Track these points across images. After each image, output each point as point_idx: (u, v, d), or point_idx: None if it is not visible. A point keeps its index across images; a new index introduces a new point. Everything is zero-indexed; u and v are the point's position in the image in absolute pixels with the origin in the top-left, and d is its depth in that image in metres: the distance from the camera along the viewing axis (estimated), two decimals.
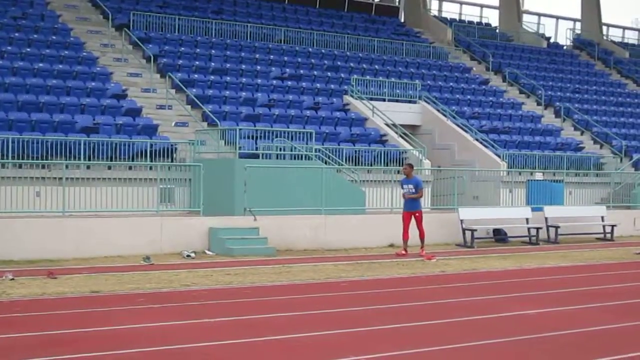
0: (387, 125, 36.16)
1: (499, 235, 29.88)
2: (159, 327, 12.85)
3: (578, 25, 65.57)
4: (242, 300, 15.93)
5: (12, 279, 17.67)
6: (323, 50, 43.38)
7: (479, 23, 60.00)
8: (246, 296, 16.37)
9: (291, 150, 28.93)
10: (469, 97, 43.14)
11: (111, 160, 26.99)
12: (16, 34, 33.97)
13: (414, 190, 25.19)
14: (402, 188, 25.54)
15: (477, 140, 37.34)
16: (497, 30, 59.11)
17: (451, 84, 44.33)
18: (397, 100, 38.91)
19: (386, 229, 27.19)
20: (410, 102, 39.27)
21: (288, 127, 32.08)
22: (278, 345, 11.65)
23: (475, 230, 28.17)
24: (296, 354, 10.99)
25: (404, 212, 25.34)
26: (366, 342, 11.87)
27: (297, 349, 11.33)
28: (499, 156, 36.12)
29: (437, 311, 14.85)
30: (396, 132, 35.72)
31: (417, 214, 25.29)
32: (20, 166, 25.44)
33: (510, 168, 35.61)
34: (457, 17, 61.96)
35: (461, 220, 28.34)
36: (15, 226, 22.18)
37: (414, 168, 26.30)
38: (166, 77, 34.64)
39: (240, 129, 29.03)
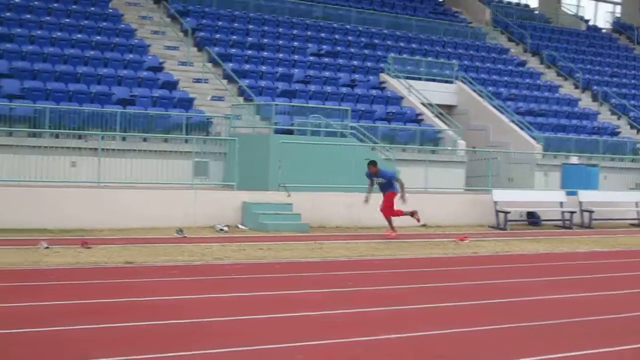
0: (423, 104, 36.05)
1: (533, 218, 29.75)
2: (192, 299, 12.89)
3: (618, 8, 64.98)
4: (275, 275, 15.97)
5: (47, 248, 17.78)
6: (361, 28, 43.22)
7: (518, 4, 59.54)
8: (279, 271, 16.41)
9: (326, 127, 28.91)
10: (505, 78, 42.90)
11: (147, 132, 27.07)
12: (55, 5, 34.05)
13: (395, 187, 23.78)
14: (373, 185, 23.93)
15: (512, 122, 37.15)
16: (536, 12, 58.68)
17: (488, 64, 44.09)
18: (433, 80, 38.75)
19: (419, 209, 27.10)
20: (446, 82, 39.09)
21: (324, 104, 32.05)
22: (314, 320, 11.65)
23: (509, 212, 28.06)
24: (334, 330, 10.98)
25: (387, 193, 23.83)
26: (401, 320, 11.85)
27: (335, 326, 11.32)
28: (534, 139, 35.93)
29: (469, 292, 14.80)
30: (432, 112, 35.61)
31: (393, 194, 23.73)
32: (56, 136, 25.59)
33: (546, 151, 35.44)
34: None
35: (495, 202, 28.24)
36: (51, 195, 22.32)
37: (376, 163, 23.92)
38: (203, 51, 34.67)
39: (276, 105, 29.07)
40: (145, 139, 26.71)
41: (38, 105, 26.01)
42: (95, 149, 24.46)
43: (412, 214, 24.12)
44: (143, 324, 10.84)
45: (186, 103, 29.44)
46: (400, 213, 23.91)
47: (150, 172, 25.01)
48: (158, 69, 31.73)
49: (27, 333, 10.07)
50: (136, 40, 33.55)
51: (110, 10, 35.56)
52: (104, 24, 33.93)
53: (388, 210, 23.84)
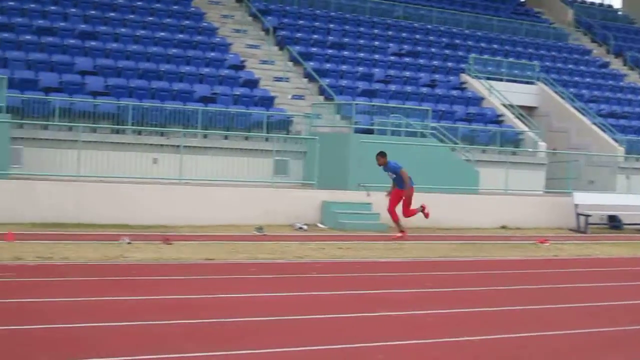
0: (503, 105, 35.77)
1: (614, 222, 29.37)
2: (272, 297, 12.93)
3: None
4: (355, 274, 15.96)
5: (129, 243, 17.98)
6: (442, 28, 43.02)
7: (601, 4, 58.72)
8: (359, 270, 16.40)
9: (406, 127, 28.83)
10: (587, 80, 42.37)
11: (228, 130, 27.27)
12: (139, 3, 34.40)
13: (394, 177, 22.66)
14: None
15: (594, 124, 36.69)
16: (620, 12, 57.86)
17: (570, 66, 43.60)
18: (514, 81, 38.40)
19: (499, 210, 26.99)
20: (528, 83, 38.72)
21: (404, 104, 31.96)
22: (395, 321, 11.60)
23: (590, 215, 27.74)
24: (415, 330, 10.94)
25: (395, 191, 22.76)
26: (482, 322, 11.77)
27: (416, 326, 11.27)
28: (616, 141, 35.45)
29: (551, 295, 14.66)
30: (512, 113, 35.31)
31: (405, 193, 22.61)
32: (139, 133, 25.87)
33: (628, 154, 34.95)
34: None
35: (576, 205, 27.91)
36: (132, 192, 22.59)
37: (385, 155, 22.66)
38: (284, 50, 34.79)
39: (356, 104, 29.05)
40: (226, 137, 26.92)
41: (121, 103, 26.33)
42: (177, 146, 24.71)
43: (422, 208, 23.10)
44: (225, 321, 10.89)
45: (267, 101, 29.58)
46: (411, 213, 22.81)
47: (231, 169, 25.19)
48: (239, 67, 31.92)
49: (116, 327, 10.17)
50: (218, 39, 33.77)
51: (193, 9, 35.84)
52: (187, 22, 34.21)
53: (398, 209, 22.55)
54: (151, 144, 25.23)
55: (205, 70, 30.53)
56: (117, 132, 25.78)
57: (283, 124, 28.61)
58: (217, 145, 26.18)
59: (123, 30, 31.82)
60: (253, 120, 28.02)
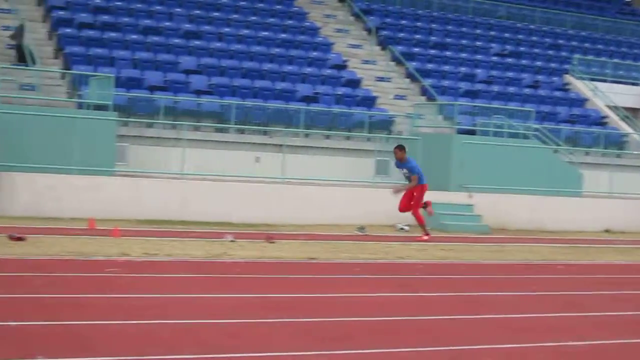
0: (608, 107, 35.25)
1: None
2: (375, 297, 12.91)
3: None
4: (457, 276, 15.86)
5: (232, 241, 18.14)
6: (545, 28, 42.54)
7: None
8: (462, 272, 16.30)
9: (509, 129, 28.59)
10: None
11: (329, 130, 27.36)
12: (242, 3, 34.70)
13: (408, 175, 21.66)
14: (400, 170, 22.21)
15: None
16: None
17: None
18: (619, 82, 37.83)
19: (602, 214, 26.60)
20: (633, 84, 38.11)
21: (506, 105, 31.71)
22: (500, 323, 11.48)
23: None
24: (520, 334, 10.82)
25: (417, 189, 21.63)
26: (587, 327, 11.60)
27: (521, 330, 11.13)
28: None
29: None
30: (617, 115, 34.78)
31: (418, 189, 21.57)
32: (242, 132, 26.10)
33: None
34: None
35: None
36: (235, 190, 22.80)
37: (404, 149, 21.67)
38: (386, 50, 34.77)
39: (458, 105, 28.90)
40: (327, 137, 27.00)
41: (224, 101, 26.62)
42: (279, 145, 24.88)
43: (426, 205, 21.86)
44: (327, 320, 10.90)
45: (369, 101, 29.61)
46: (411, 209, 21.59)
47: (332, 169, 25.26)
48: (341, 67, 32.01)
49: (218, 324, 10.26)
50: (320, 38, 33.91)
51: (296, 9, 36.03)
52: (289, 21, 34.41)
53: (414, 207, 21.57)
54: (254, 143, 25.45)
55: (308, 69, 30.70)
56: (221, 130, 26.06)
57: (385, 124, 28.64)
58: (319, 145, 26.31)
59: (227, 29, 32.15)
60: (355, 120, 28.09)
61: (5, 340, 8.56)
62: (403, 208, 21.68)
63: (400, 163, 21.59)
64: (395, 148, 21.60)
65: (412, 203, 21.51)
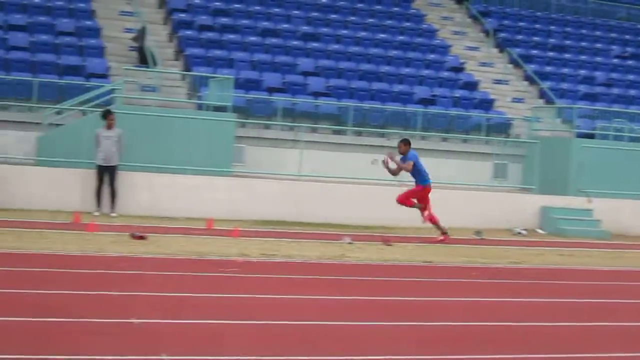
0: None
1: None
2: (493, 302, 12.83)
3: None
4: (572, 282, 15.63)
5: (350, 243, 18.20)
6: None
7: None
8: (582, 278, 16.07)
9: (630, 132, 28.07)
10: None
11: (446, 132, 27.24)
12: (360, 5, 34.78)
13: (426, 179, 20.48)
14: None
15: None
16: None
17: None
18: None
19: None
20: None
21: (627, 108, 31.12)
22: (630, 332, 11.29)
23: None
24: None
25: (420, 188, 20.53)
26: None
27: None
28: None
29: None
30: None
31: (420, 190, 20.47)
32: (359, 134, 26.16)
33: None
34: None
35: None
36: (351, 192, 22.84)
37: (408, 144, 20.51)
38: (504, 52, 34.48)
39: (578, 108, 28.49)
40: (444, 139, 26.89)
41: (342, 104, 26.72)
42: (396, 147, 24.77)
43: (423, 208, 20.50)
44: (438, 324, 10.85)
45: (486, 104, 29.41)
46: (408, 203, 20.54)
47: (449, 172, 25.12)
48: (459, 69, 31.86)
49: (333, 326, 10.31)
50: (438, 41, 33.79)
51: (413, 11, 35.97)
52: (407, 24, 34.38)
53: (426, 209, 20.48)
54: (371, 145, 25.47)
55: (425, 72, 30.64)
56: (338, 132, 26.17)
57: (502, 127, 28.39)
58: (436, 148, 26.23)
59: (344, 31, 32.27)
60: (472, 123, 27.93)
61: (129, 337, 8.75)
62: (401, 199, 20.58)
63: (405, 157, 20.44)
64: (400, 142, 20.73)
65: (412, 199, 20.53)
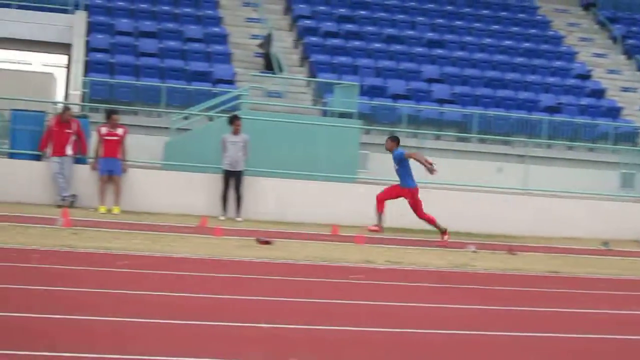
0: None
1: None
2: (621, 315, 12.63)
3: None
4: None
5: (475, 252, 18.13)
6: None
7: None
8: None
9: None
10: None
11: (572, 141, 26.91)
12: (485, 11, 34.63)
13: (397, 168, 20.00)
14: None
15: None
16: None
17: None
18: None
19: None
20: None
21: None
22: None
23: None
24: None
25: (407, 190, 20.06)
26: None
27: None
28: None
29: None
30: None
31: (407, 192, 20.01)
32: (483, 141, 26.03)
33: None
34: None
35: None
36: (476, 200, 22.72)
37: (396, 141, 19.87)
38: (632, 59, 33.90)
39: None
40: (570, 148, 26.57)
41: (467, 111, 26.63)
42: (521, 155, 24.63)
43: (380, 214, 19.82)
44: (563, 336, 10.73)
45: (614, 112, 28.97)
46: (380, 205, 19.87)
47: (575, 181, 24.81)
48: (585, 76, 31.46)
49: (460, 335, 10.30)
50: (564, 47, 33.43)
51: (539, 17, 35.65)
52: (532, 30, 34.09)
53: (419, 211, 20.01)
54: (495, 153, 25.32)
55: (551, 79, 30.34)
56: (462, 140, 26.08)
57: (630, 136, 27.93)
58: (562, 156, 25.96)
59: (469, 38, 32.16)
60: (599, 132, 27.55)
61: (258, 343, 8.86)
62: (381, 196, 20.08)
63: (399, 157, 19.79)
64: (388, 138, 20.00)
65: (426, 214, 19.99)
